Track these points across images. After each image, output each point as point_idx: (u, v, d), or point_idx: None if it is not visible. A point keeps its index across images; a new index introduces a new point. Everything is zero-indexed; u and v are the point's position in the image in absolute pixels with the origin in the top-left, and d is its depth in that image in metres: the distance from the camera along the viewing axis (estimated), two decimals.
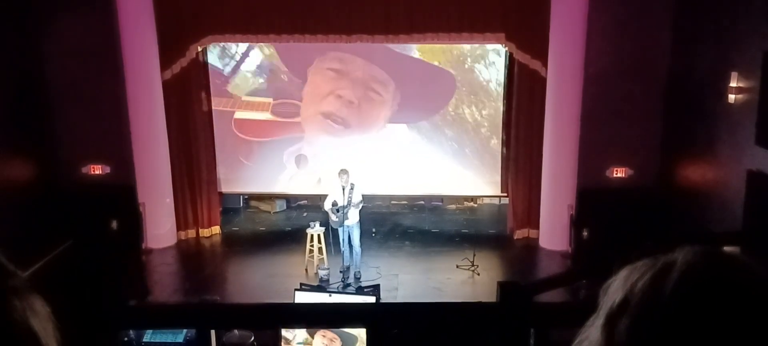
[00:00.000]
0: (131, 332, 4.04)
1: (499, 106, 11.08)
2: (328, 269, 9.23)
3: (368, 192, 9.67)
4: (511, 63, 10.58)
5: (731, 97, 7.72)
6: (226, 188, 11.67)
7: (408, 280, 9.21)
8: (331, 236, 9.36)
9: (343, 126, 11.28)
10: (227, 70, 11.20)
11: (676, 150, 9.68)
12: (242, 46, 11.00)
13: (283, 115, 11.35)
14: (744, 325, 0.71)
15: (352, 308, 4.24)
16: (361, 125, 11.29)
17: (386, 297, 7.99)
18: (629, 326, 0.74)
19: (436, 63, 11.05)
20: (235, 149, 11.53)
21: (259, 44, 10.92)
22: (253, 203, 12.85)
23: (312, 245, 9.51)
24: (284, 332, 3.78)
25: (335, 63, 11.08)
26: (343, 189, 8.85)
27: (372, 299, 5.56)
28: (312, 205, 11.90)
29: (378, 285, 8.04)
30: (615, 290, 0.79)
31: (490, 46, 10.70)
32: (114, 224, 10.00)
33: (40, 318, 0.79)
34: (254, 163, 11.62)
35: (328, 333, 3.75)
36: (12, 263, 0.81)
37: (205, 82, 10.99)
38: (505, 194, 11.35)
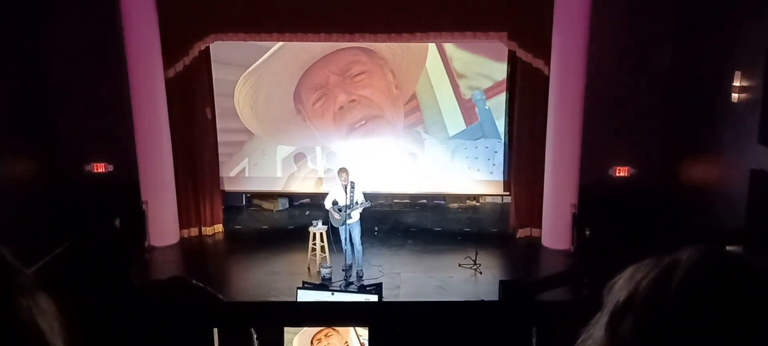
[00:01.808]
0: None
1: (502, 104, 11.07)
2: (331, 267, 9.24)
3: (370, 190, 9.68)
4: (513, 62, 10.57)
5: (734, 96, 7.71)
6: (228, 186, 11.69)
7: (410, 278, 9.21)
8: (332, 234, 9.37)
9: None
10: None
11: (679, 149, 9.66)
12: None
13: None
14: (749, 324, 0.70)
15: (354, 306, 4.23)
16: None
17: (388, 296, 8.00)
18: (634, 324, 0.74)
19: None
20: (239, 148, 11.56)
21: None
22: (255, 201, 12.86)
23: (314, 244, 9.52)
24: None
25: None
26: (345, 188, 8.86)
27: (374, 298, 5.55)
28: (314, 203, 11.91)
29: (380, 284, 8.04)
30: (619, 288, 0.78)
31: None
32: (117, 222, 10.02)
33: (47, 317, 0.79)
34: (257, 162, 11.65)
35: (324, 339, 3.73)
36: (17, 260, 0.81)
37: (208, 81, 11.00)
38: (508, 193, 11.36)
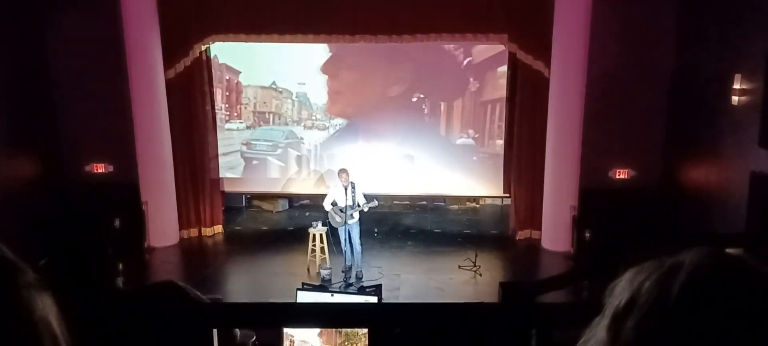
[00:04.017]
0: None
1: (502, 106, 11.07)
2: (330, 268, 9.23)
3: (370, 192, 9.69)
4: (514, 64, 10.57)
5: (734, 99, 7.70)
6: (228, 187, 11.69)
7: (410, 280, 9.20)
8: (331, 235, 9.37)
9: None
10: None
11: (679, 151, 9.65)
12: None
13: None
14: (750, 327, 0.70)
15: (354, 308, 4.23)
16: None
17: (388, 297, 7.99)
18: (635, 326, 0.74)
19: None
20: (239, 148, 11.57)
21: None
22: (255, 202, 12.87)
23: (314, 245, 9.52)
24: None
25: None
26: (345, 189, 8.85)
27: (374, 299, 5.56)
28: (314, 204, 11.89)
29: (380, 285, 8.04)
30: (621, 290, 0.78)
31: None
32: (117, 223, 10.01)
33: (53, 315, 0.79)
34: (256, 163, 11.65)
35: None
36: (22, 261, 0.81)
37: (209, 81, 11.01)
38: (508, 195, 11.35)
